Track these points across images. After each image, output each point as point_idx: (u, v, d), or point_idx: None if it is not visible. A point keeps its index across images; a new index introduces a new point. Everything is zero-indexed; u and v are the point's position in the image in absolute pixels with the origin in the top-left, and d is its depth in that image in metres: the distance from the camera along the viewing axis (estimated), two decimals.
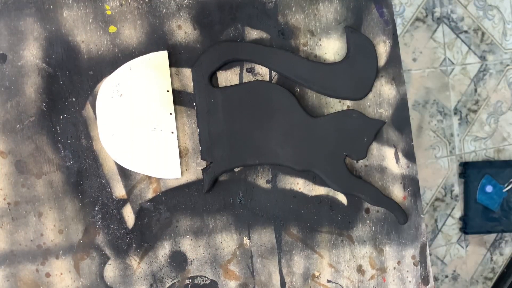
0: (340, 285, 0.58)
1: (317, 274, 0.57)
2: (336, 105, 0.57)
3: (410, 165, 0.59)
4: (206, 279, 0.55)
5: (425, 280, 0.60)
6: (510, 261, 1.24)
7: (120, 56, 0.52)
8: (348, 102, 0.57)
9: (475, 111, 1.64)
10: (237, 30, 0.55)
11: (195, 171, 0.54)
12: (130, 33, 0.52)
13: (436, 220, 1.63)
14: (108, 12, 0.51)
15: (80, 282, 0.52)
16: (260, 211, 0.56)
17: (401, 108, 0.59)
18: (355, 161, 0.58)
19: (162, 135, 0.52)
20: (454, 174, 1.63)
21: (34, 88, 0.50)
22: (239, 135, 0.54)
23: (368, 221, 0.58)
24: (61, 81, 0.51)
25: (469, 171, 1.59)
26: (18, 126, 0.50)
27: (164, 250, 0.53)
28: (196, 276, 0.54)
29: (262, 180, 0.56)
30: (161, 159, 0.52)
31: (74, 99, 0.51)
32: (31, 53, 0.50)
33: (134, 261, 0.53)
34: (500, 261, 1.71)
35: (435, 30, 1.57)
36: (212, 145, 0.53)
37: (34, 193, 0.50)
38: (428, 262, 0.60)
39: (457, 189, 1.64)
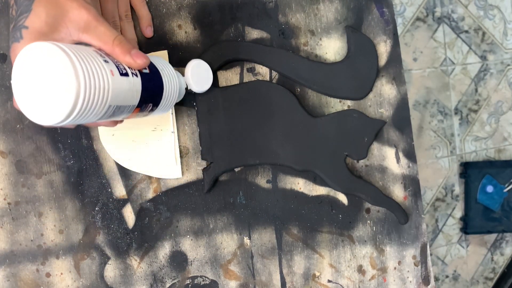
0: (340, 285, 0.58)
1: (317, 274, 0.57)
2: (336, 105, 0.57)
3: (410, 165, 0.59)
4: (206, 279, 0.54)
5: (425, 280, 0.60)
6: (511, 261, 1.24)
7: None
8: (349, 102, 0.57)
9: (475, 111, 1.64)
10: (237, 30, 0.54)
11: (195, 171, 0.54)
12: None
13: (436, 220, 1.63)
14: None
15: (80, 282, 0.52)
16: (261, 211, 0.55)
17: (402, 108, 0.59)
18: (355, 161, 0.58)
19: (162, 135, 0.52)
20: (455, 174, 1.63)
21: None
22: (240, 135, 0.54)
23: (368, 221, 0.58)
24: None
25: (469, 171, 1.59)
26: (18, 126, 0.50)
27: (164, 250, 0.53)
28: (197, 276, 0.54)
29: (262, 180, 0.56)
30: (162, 159, 0.52)
31: None
32: None
33: (134, 261, 0.53)
34: (501, 261, 1.71)
35: (436, 30, 1.57)
36: (212, 145, 0.53)
37: (35, 193, 0.50)
38: (429, 262, 0.60)
39: (458, 189, 1.63)
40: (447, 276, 1.65)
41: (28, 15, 0.37)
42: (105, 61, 0.36)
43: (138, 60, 0.39)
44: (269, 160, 0.54)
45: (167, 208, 0.53)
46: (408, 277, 0.60)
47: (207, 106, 0.53)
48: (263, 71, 0.55)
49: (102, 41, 0.38)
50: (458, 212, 1.64)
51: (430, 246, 1.64)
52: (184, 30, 0.53)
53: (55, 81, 0.33)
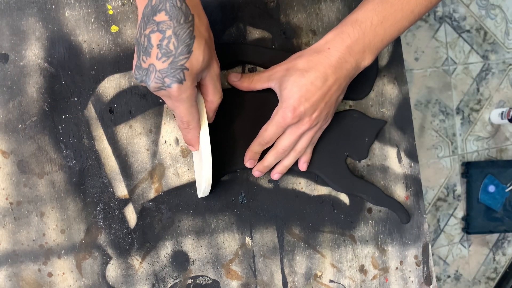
0: (342, 285, 0.58)
1: (319, 274, 0.57)
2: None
3: (412, 164, 0.59)
4: (208, 279, 0.54)
5: (427, 280, 0.60)
6: None
7: (122, 56, 0.52)
8: (350, 102, 0.57)
9: (477, 111, 1.63)
10: (239, 29, 0.54)
11: None
12: (132, 32, 0.52)
13: (438, 220, 1.63)
14: (110, 12, 0.51)
15: (82, 281, 0.52)
16: (262, 211, 0.55)
17: (404, 107, 0.59)
18: (357, 161, 0.58)
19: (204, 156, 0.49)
20: (457, 174, 1.63)
21: (36, 88, 0.50)
22: (240, 136, 0.54)
23: (370, 221, 0.58)
24: (63, 81, 0.51)
25: (471, 170, 1.59)
26: (20, 126, 0.50)
27: (166, 250, 0.53)
28: (198, 276, 0.54)
29: (264, 180, 0.56)
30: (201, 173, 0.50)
31: (76, 99, 0.51)
32: (33, 53, 0.50)
33: (136, 261, 0.53)
34: (503, 261, 1.71)
35: (437, 30, 1.57)
36: (213, 147, 0.53)
37: (36, 193, 0.50)
38: (431, 262, 0.60)
39: (460, 189, 1.63)
40: (449, 276, 1.65)
41: (189, 57, 0.40)
42: None
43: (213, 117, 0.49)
44: None
45: (169, 208, 0.53)
46: (410, 277, 0.60)
47: None
48: None
49: (214, 92, 0.46)
50: (460, 212, 1.64)
51: (432, 246, 1.64)
52: None
53: None
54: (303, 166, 0.54)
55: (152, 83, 0.41)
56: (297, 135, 0.50)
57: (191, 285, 0.54)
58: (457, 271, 1.66)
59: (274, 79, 0.50)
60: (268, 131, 0.50)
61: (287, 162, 0.53)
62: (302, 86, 0.47)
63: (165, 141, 0.53)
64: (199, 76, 0.43)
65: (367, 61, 0.48)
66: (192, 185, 0.54)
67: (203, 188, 0.49)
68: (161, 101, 0.53)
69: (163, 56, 0.40)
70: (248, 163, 0.53)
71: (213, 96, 0.47)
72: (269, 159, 0.52)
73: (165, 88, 0.41)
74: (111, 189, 0.52)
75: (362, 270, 0.58)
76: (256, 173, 0.54)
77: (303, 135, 0.51)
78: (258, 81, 0.52)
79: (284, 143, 0.51)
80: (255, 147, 0.52)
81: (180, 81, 0.41)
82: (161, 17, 0.39)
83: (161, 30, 0.39)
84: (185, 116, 0.44)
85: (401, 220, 0.58)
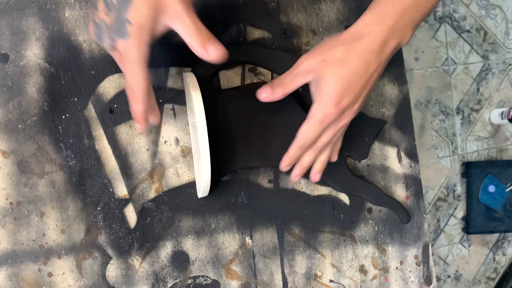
0: (342, 285, 0.58)
1: (319, 274, 0.57)
2: None
3: (412, 164, 0.59)
4: (208, 279, 0.54)
5: (427, 280, 0.60)
6: None
7: None
8: None
9: (477, 111, 1.63)
10: (239, 29, 0.54)
11: None
12: None
13: (438, 220, 1.63)
14: None
15: (82, 282, 0.52)
16: (262, 211, 0.55)
17: (404, 107, 0.59)
18: (357, 161, 0.58)
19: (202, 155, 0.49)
20: (457, 174, 1.63)
21: (36, 88, 0.50)
22: (240, 137, 0.54)
23: (370, 221, 0.58)
24: (63, 80, 0.51)
25: (471, 170, 1.59)
26: (20, 126, 0.50)
27: (166, 250, 0.53)
28: (198, 276, 0.54)
29: (264, 180, 0.56)
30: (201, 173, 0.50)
31: (76, 99, 0.51)
32: (33, 53, 0.50)
33: (136, 261, 0.53)
34: (503, 261, 1.71)
35: (438, 30, 1.57)
36: (213, 147, 0.53)
37: (36, 193, 0.50)
38: (431, 262, 0.60)
39: (460, 189, 1.63)
40: (449, 276, 1.65)
41: (128, 7, 0.36)
42: None
43: (212, 51, 0.40)
44: (269, 163, 0.54)
45: (169, 208, 0.53)
46: (410, 277, 0.60)
47: (208, 108, 0.53)
48: (265, 71, 0.55)
49: (189, 33, 0.39)
50: (460, 212, 1.64)
51: (432, 246, 1.64)
52: None
53: None
54: (334, 156, 0.51)
55: (105, 39, 0.39)
56: (337, 130, 0.47)
57: (191, 285, 0.54)
58: (457, 271, 1.66)
59: (310, 72, 0.45)
60: (310, 132, 0.46)
61: (325, 157, 0.49)
62: (345, 78, 0.43)
63: (165, 141, 0.53)
64: (150, 28, 0.38)
65: (407, 39, 0.44)
66: (192, 185, 0.54)
67: (202, 188, 0.49)
68: (161, 100, 0.53)
69: (108, 10, 0.37)
70: (285, 168, 0.50)
71: (191, 38, 0.40)
72: (307, 158, 0.49)
73: (114, 44, 0.38)
74: (111, 189, 0.52)
75: (362, 270, 0.58)
76: (296, 178, 0.50)
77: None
78: (292, 83, 0.46)
79: (323, 141, 0.47)
80: (296, 152, 0.48)
81: (123, 36, 0.37)
82: None
83: None
84: (129, 79, 0.40)
85: (401, 220, 0.58)
